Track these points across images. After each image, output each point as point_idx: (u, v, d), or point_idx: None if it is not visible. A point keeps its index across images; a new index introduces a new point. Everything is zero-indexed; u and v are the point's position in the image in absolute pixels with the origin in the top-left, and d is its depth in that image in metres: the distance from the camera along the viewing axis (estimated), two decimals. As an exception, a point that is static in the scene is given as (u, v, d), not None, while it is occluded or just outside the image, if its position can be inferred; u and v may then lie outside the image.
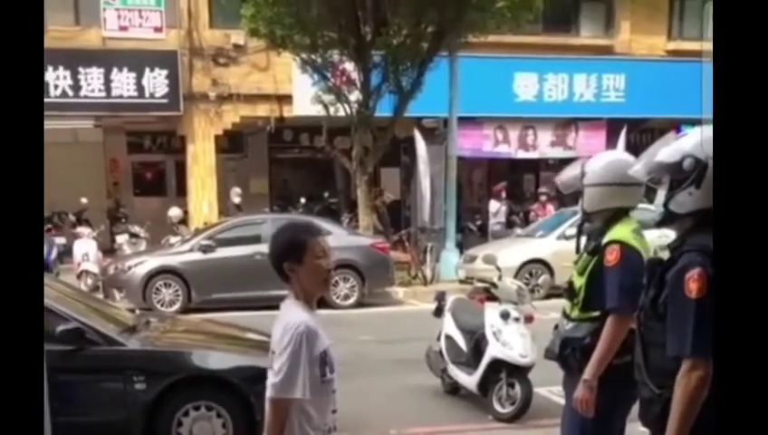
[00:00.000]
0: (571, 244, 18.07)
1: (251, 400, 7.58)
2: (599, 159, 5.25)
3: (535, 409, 8.93)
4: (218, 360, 7.92)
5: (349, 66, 19.24)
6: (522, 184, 26.20)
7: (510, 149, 23.85)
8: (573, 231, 17.72)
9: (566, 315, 5.24)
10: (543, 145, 24.06)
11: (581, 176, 5.14)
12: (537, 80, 23.82)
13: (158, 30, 21.93)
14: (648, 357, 3.92)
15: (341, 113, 19.04)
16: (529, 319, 9.27)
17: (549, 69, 23.86)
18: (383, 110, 19.17)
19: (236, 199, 21.00)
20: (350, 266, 16.40)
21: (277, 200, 23.45)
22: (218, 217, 20.99)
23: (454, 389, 9.88)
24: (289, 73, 21.42)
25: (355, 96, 19.03)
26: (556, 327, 5.42)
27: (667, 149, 3.90)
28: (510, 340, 8.98)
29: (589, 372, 4.89)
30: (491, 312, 9.33)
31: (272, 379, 3.69)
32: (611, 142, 23.28)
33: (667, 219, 3.90)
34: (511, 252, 16.54)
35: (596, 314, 5.02)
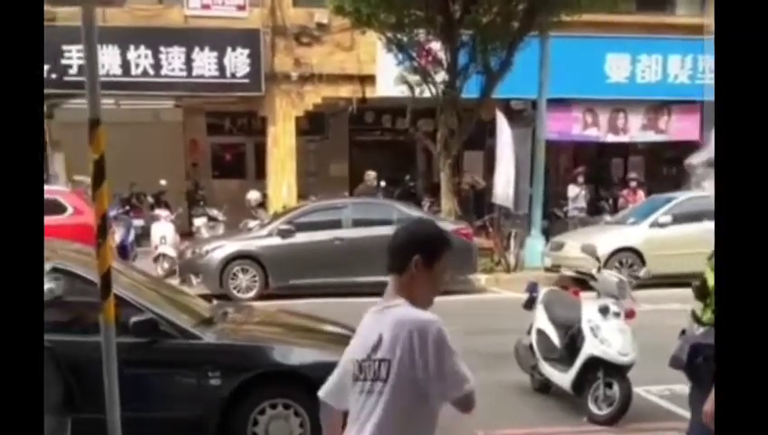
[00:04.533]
0: (665, 232, 17.52)
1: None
2: None
3: (633, 411, 8.35)
4: (297, 355, 7.47)
5: (435, 46, 18.70)
6: (610, 169, 25.41)
7: (599, 132, 23.10)
8: (667, 219, 17.26)
9: (696, 319, 4.63)
10: (634, 129, 23.25)
11: None
12: (630, 61, 23.03)
13: (240, 8, 21.65)
14: None
15: (426, 94, 18.54)
16: (630, 314, 8.67)
17: (642, 49, 23.03)
18: (470, 91, 18.65)
19: (374, 183, 20.56)
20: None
21: (356, 184, 23.02)
22: (297, 201, 20.67)
23: (544, 386, 9.29)
24: (373, 54, 21.01)
25: (441, 77, 18.55)
26: (683, 332, 4.80)
27: None
28: (609, 336, 8.37)
29: None
30: (589, 306, 8.72)
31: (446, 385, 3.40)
32: (706, 127, 22.39)
33: None
34: (600, 239, 15.80)
35: None
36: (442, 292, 3.60)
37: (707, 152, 4.43)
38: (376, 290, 14.50)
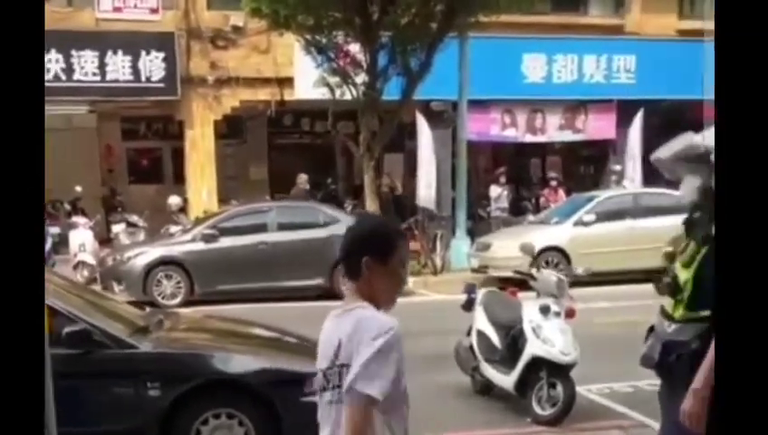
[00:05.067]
0: (589, 230, 17.70)
1: (276, 405, 6.98)
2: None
3: (575, 410, 8.29)
4: (239, 362, 7.25)
5: (354, 47, 18.58)
6: (528, 169, 25.58)
7: (517, 132, 23.25)
8: (590, 217, 17.45)
9: (668, 315, 4.52)
10: (552, 128, 23.45)
11: (707, 152, 4.41)
12: (546, 61, 23.22)
13: (153, 11, 21.25)
14: None
15: (347, 97, 18.42)
16: (570, 314, 8.63)
17: (558, 50, 23.25)
18: (390, 93, 18.57)
19: (307, 186, 20.31)
20: (359, 256, 15.64)
21: (277, 187, 22.76)
22: (218, 205, 20.35)
23: (485, 388, 9.22)
24: (290, 56, 20.81)
25: (361, 78, 18.42)
26: (652, 329, 4.72)
27: None
28: (551, 336, 8.32)
29: (700, 380, 4.16)
30: (529, 306, 8.67)
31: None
32: (622, 125, 22.74)
33: None
34: (526, 239, 15.77)
35: (705, 313, 4.28)
36: (404, 286, 3.46)
37: (673, 146, 4.41)
38: (304, 294, 14.53)
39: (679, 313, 4.44)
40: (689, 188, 4.56)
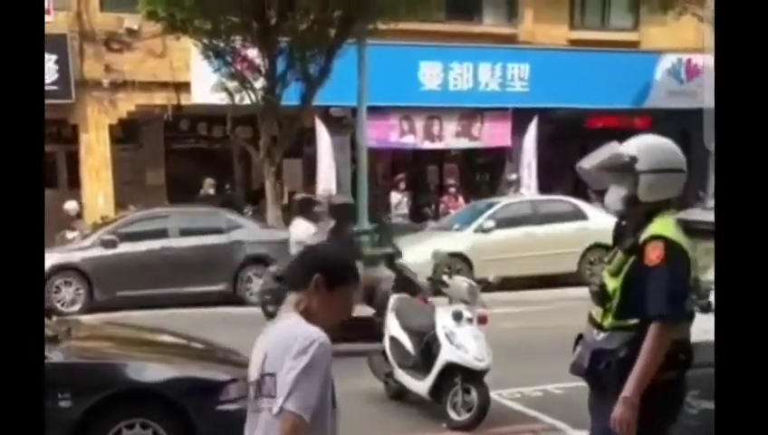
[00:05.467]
0: (490, 237, 17.93)
1: (190, 414, 6.89)
2: (646, 143, 4.66)
3: (490, 415, 8.38)
4: (152, 371, 7.14)
5: (253, 52, 18.49)
6: (426, 175, 25.74)
7: (415, 139, 23.38)
8: (491, 224, 17.69)
9: (596, 324, 4.60)
10: (449, 135, 23.65)
11: (632, 161, 4.52)
12: (442, 68, 23.41)
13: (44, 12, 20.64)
14: None
15: (246, 102, 18.32)
16: (482, 320, 8.74)
17: (453, 58, 23.47)
18: (290, 98, 18.53)
19: (211, 190, 20.01)
20: (263, 262, 15.72)
21: (174, 192, 22.42)
22: (115, 210, 19.93)
23: (399, 394, 9.28)
24: (187, 60, 20.56)
25: (260, 83, 18.35)
26: (580, 337, 4.81)
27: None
28: (464, 342, 8.41)
29: (630, 388, 4.27)
30: (442, 312, 8.75)
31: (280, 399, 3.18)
32: (517, 133, 23.13)
33: None
34: (428, 246, 15.95)
35: (633, 321, 4.41)
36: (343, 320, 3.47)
37: (597, 156, 4.47)
38: (207, 300, 14.33)
39: (608, 321, 4.51)
40: (615, 197, 4.65)
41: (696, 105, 24.06)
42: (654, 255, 4.32)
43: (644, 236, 4.41)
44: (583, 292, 16.32)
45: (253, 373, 3.34)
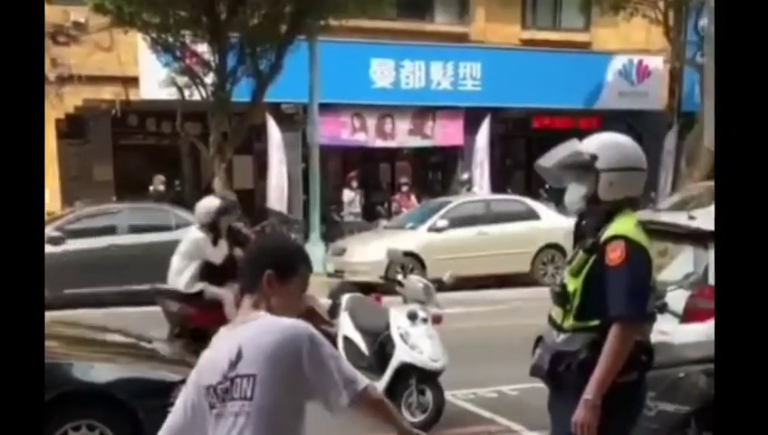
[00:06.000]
0: (443, 236, 17.89)
1: (139, 416, 6.69)
2: (606, 141, 4.57)
3: (444, 416, 8.28)
4: (99, 372, 6.97)
5: (202, 47, 18.26)
6: (377, 174, 25.65)
7: (367, 137, 23.30)
8: (444, 223, 17.63)
9: (556, 325, 4.50)
10: (401, 134, 23.60)
11: (592, 159, 4.42)
12: (394, 66, 23.37)
13: (-12, 4, 20.20)
14: None
15: (196, 97, 18.08)
16: (437, 320, 8.63)
17: (405, 55, 23.44)
18: (240, 94, 18.32)
19: (161, 187, 19.71)
20: (213, 259, 15.37)
21: (122, 189, 22.08)
22: (62, 207, 19.54)
23: (352, 395, 9.10)
24: (135, 54, 20.24)
25: (210, 79, 18.13)
26: (540, 339, 4.71)
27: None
28: (419, 343, 8.29)
29: (591, 390, 4.19)
30: (396, 312, 8.61)
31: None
32: (469, 132, 23.12)
33: None
34: (380, 244, 15.88)
35: (594, 322, 4.32)
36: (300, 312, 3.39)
37: (556, 154, 4.39)
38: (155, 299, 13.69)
39: (568, 322, 4.43)
40: (575, 196, 4.57)
41: (647, 106, 24.33)
42: (615, 254, 4.24)
43: (605, 235, 4.32)
44: (536, 292, 16.54)
45: (211, 377, 3.17)
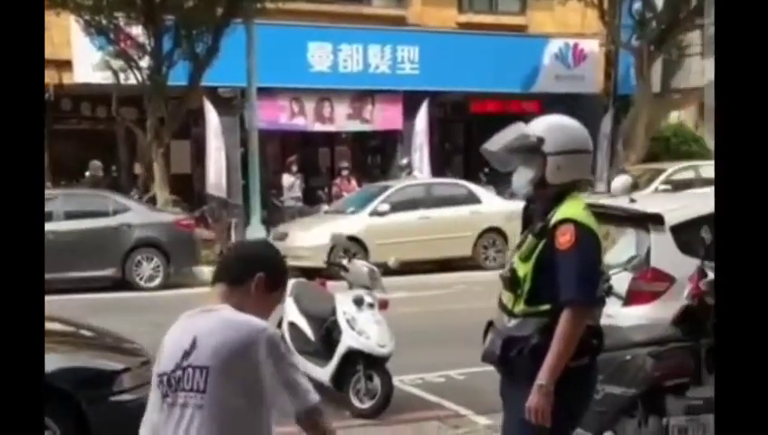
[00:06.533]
0: (384, 220, 17.84)
1: (82, 407, 6.54)
2: (551, 123, 4.52)
3: (393, 402, 8.23)
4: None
5: (137, 30, 17.99)
6: (317, 158, 25.53)
7: (306, 121, 23.20)
8: (385, 207, 17.59)
9: (507, 310, 4.46)
10: (340, 118, 23.54)
11: (539, 142, 4.39)
12: (331, 50, 23.31)
13: None
14: None
15: (131, 81, 17.81)
16: (383, 305, 8.60)
17: (343, 39, 23.39)
18: (177, 78, 18.09)
19: (99, 173, 19.41)
20: (153, 245, 15.43)
21: (57, 175, 21.65)
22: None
23: (298, 381, 9.03)
24: (68, 37, 19.83)
25: (146, 62, 17.87)
26: (491, 325, 4.68)
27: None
28: (366, 328, 8.23)
29: (544, 375, 4.15)
30: (342, 297, 8.56)
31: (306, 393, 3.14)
32: (408, 116, 23.11)
33: None
34: (322, 229, 15.78)
35: (545, 307, 4.27)
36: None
37: (503, 138, 4.37)
38: (94, 285, 13.78)
39: (519, 307, 4.38)
40: (523, 180, 4.52)
41: (584, 90, 24.54)
42: (564, 238, 4.21)
43: (554, 219, 4.29)
44: (479, 275, 16.59)
45: (167, 365, 3.09)
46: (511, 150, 4.52)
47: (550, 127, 4.47)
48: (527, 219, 4.61)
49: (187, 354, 3.03)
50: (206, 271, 16.92)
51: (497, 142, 4.58)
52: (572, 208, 4.32)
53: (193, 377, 3.01)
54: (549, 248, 4.27)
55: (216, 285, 3.23)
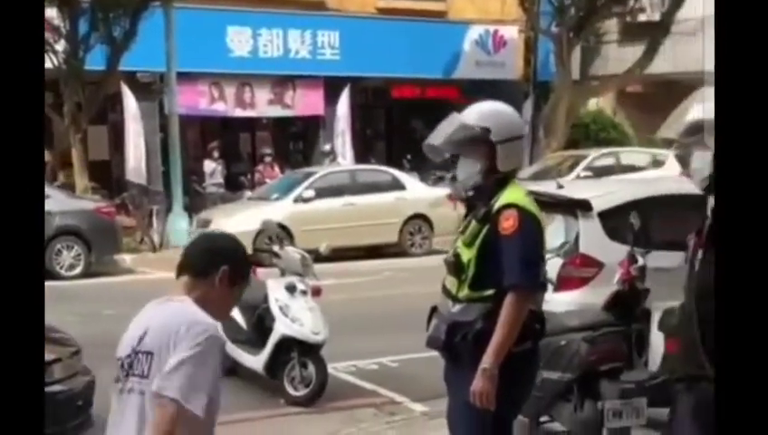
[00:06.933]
0: (309, 207, 17.74)
1: (11, 399, 6.38)
2: (493, 112, 4.52)
3: (327, 389, 8.22)
4: None
5: (51, 12, 17.58)
6: (238, 144, 25.28)
7: (226, 106, 22.97)
8: (310, 193, 17.50)
9: (451, 295, 4.47)
10: (261, 103, 23.34)
11: (485, 132, 4.40)
12: (251, 35, 23.08)
13: None
14: (707, 337, 3.29)
15: (47, 65, 17.38)
16: (316, 292, 8.57)
17: (262, 24, 23.20)
18: (95, 62, 17.74)
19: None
20: (73, 233, 15.14)
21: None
22: None
23: (230, 370, 8.92)
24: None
25: (62, 46, 17.50)
26: (434, 310, 4.69)
27: (707, 106, 3.38)
28: (299, 315, 8.21)
29: (489, 359, 4.17)
30: (274, 284, 8.50)
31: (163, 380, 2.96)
32: (330, 101, 23.02)
33: None
34: (246, 215, 15.65)
35: (489, 292, 4.30)
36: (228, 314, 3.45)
37: (444, 131, 4.33)
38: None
39: (463, 292, 4.40)
40: (470, 170, 4.51)
41: (504, 76, 24.73)
42: (508, 223, 4.25)
43: (497, 204, 4.32)
44: (406, 262, 16.64)
45: (123, 349, 3.12)
46: (455, 143, 4.53)
47: (493, 115, 4.49)
48: (470, 205, 4.63)
49: (140, 340, 3.07)
50: (128, 259, 16.72)
51: (439, 136, 4.59)
52: (515, 194, 4.36)
53: (141, 362, 3.04)
54: (492, 233, 4.30)
55: (180, 277, 3.21)
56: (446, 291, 4.54)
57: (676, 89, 26.67)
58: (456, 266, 4.45)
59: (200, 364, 2.96)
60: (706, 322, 3.26)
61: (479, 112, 4.51)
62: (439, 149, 4.67)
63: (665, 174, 16.77)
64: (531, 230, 4.28)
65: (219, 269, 3.17)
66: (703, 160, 3.38)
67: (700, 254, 3.38)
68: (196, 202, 20.16)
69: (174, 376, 2.93)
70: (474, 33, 25.34)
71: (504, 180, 4.42)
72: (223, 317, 3.34)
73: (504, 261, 4.23)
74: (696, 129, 3.43)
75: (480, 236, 4.34)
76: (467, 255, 4.39)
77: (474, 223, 4.41)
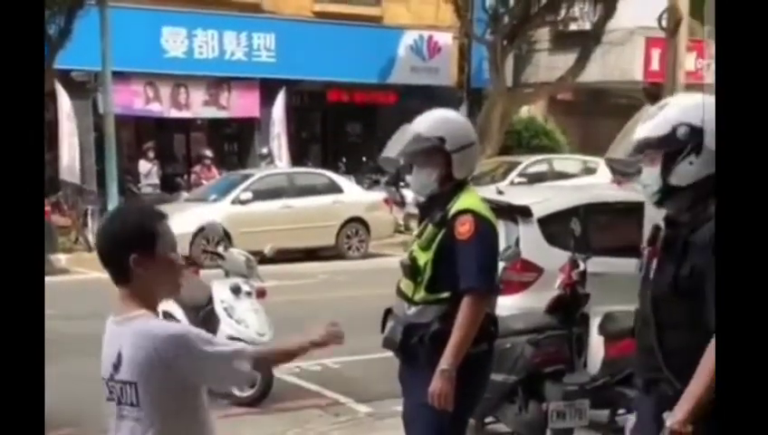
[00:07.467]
0: (247, 209, 17.66)
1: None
2: (444, 121, 4.62)
3: (272, 390, 8.27)
4: None
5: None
6: (172, 144, 25.12)
7: (162, 107, 22.84)
8: (248, 195, 17.48)
9: (407, 298, 4.58)
10: (196, 104, 23.27)
11: (441, 142, 4.52)
12: (186, 35, 23.01)
13: None
14: (663, 341, 3.43)
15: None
16: (261, 293, 8.64)
17: (198, 24, 23.14)
18: (29, 60, 17.46)
19: None
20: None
21: None
22: None
23: (173, 371, 8.97)
24: None
25: (-7, 43, 17.18)
26: (389, 311, 4.81)
27: (651, 124, 3.47)
28: (244, 317, 8.27)
29: (447, 360, 4.28)
30: (219, 286, 8.54)
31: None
32: (265, 103, 23.03)
33: (667, 195, 3.46)
34: (183, 217, 15.51)
35: (445, 295, 4.42)
36: (180, 276, 3.13)
37: (398, 142, 4.42)
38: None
39: (419, 295, 4.50)
40: (426, 180, 4.55)
41: (439, 82, 24.98)
42: (464, 228, 4.36)
43: (453, 209, 4.43)
44: (343, 265, 16.69)
45: (105, 371, 3.03)
46: (410, 154, 4.64)
47: (445, 124, 4.58)
48: (425, 209, 4.75)
49: (115, 368, 2.97)
50: (63, 259, 16.54)
51: (394, 148, 4.70)
52: (470, 200, 4.47)
53: (126, 392, 2.97)
54: (448, 238, 4.40)
55: (118, 288, 3.04)
56: (401, 293, 4.65)
57: (604, 97, 27.29)
58: (412, 269, 4.56)
59: (205, 342, 2.98)
60: (663, 327, 3.42)
61: (432, 122, 4.59)
62: (395, 160, 4.80)
63: (597, 181, 17.14)
64: (486, 235, 4.41)
65: (129, 260, 2.92)
66: (651, 176, 3.51)
67: (654, 263, 3.52)
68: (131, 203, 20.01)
69: (228, 358, 3.04)
70: (408, 38, 25.54)
71: (459, 186, 4.54)
72: (174, 291, 3.18)
73: (461, 265, 4.34)
74: (643, 146, 3.57)
75: (436, 241, 4.44)
76: (423, 258, 4.50)
77: (430, 227, 4.50)
